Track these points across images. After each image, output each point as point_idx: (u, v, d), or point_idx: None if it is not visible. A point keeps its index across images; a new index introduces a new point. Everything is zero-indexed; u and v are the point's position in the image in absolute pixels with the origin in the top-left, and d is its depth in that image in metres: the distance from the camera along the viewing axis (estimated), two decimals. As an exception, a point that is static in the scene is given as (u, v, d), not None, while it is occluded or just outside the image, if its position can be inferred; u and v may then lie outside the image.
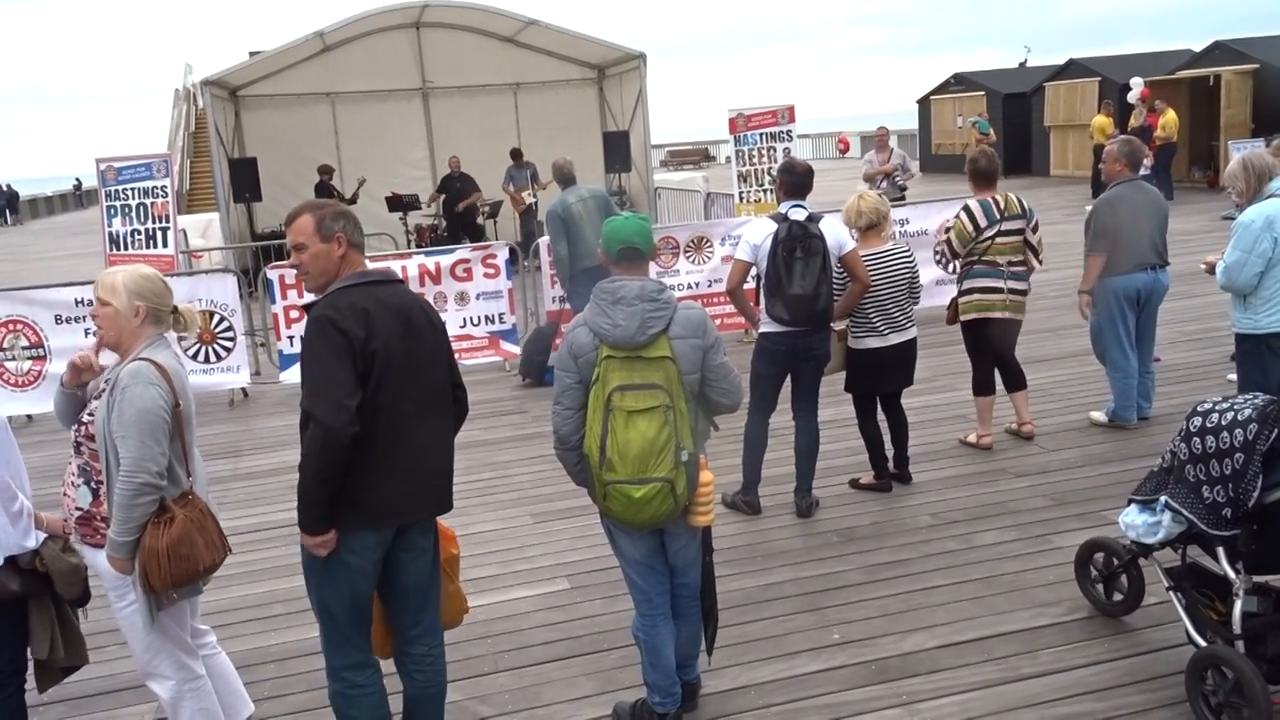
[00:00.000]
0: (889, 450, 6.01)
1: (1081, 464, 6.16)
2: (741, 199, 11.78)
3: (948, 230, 6.38)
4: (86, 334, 8.90)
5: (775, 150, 11.60)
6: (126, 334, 3.36)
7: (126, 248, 10.22)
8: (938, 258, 6.56)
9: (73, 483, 3.45)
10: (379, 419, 3.16)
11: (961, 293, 6.37)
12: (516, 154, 15.64)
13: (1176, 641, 4.04)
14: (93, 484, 3.41)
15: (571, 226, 8.45)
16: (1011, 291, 6.27)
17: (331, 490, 3.10)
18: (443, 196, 15.53)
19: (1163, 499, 3.75)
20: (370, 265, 3.43)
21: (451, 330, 9.32)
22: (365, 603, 3.33)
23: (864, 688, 3.99)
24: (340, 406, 3.04)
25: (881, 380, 5.88)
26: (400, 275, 3.82)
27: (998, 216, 6.20)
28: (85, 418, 3.40)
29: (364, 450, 3.13)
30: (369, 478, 3.18)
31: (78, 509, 3.43)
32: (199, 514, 3.32)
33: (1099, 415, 6.83)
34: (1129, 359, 6.58)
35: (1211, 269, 5.38)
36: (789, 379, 5.57)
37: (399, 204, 15.36)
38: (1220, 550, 3.58)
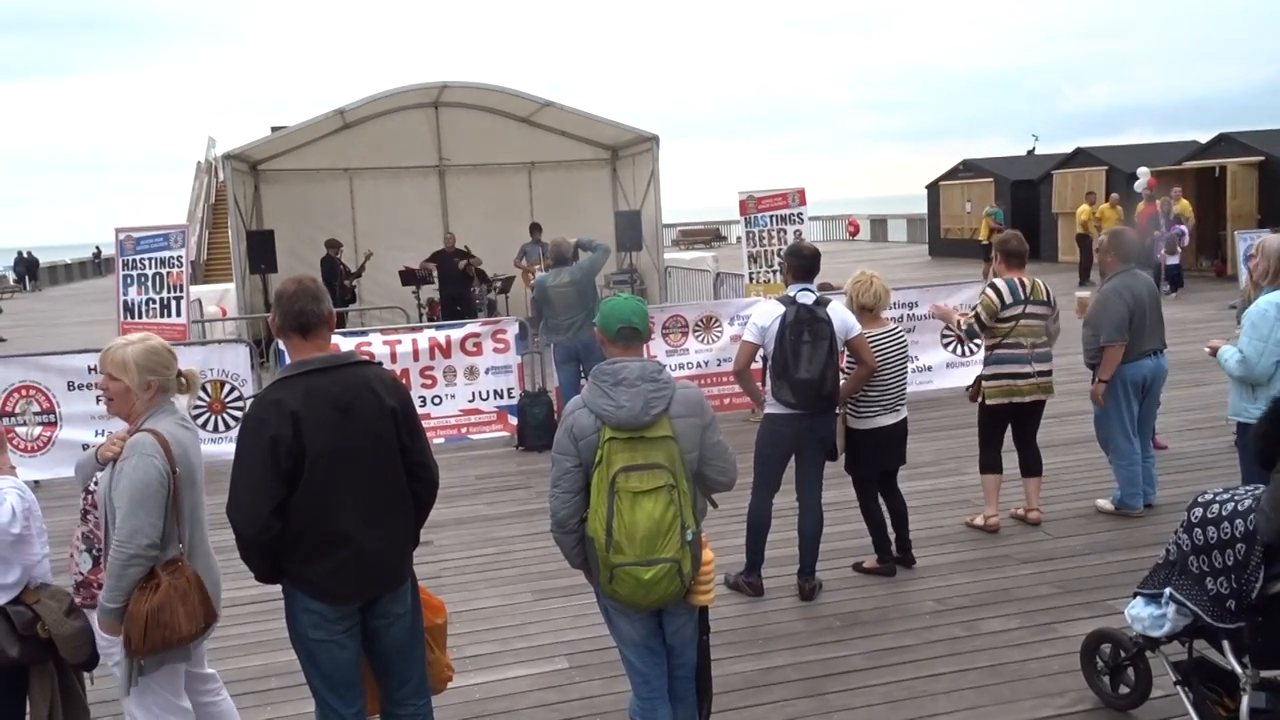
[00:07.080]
0: (891, 533, 5.99)
1: (1087, 551, 6.12)
2: (751, 279, 11.89)
3: (974, 307, 6.47)
4: (98, 400, 8.96)
5: (786, 232, 11.72)
6: (136, 407, 3.43)
7: (141, 316, 10.34)
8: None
9: (78, 547, 3.53)
10: (310, 510, 3.22)
11: (988, 376, 6.42)
12: (535, 228, 15.83)
13: (1182, 736, 3.98)
14: (94, 551, 3.47)
15: (545, 306, 9.19)
16: (1039, 374, 6.34)
17: (263, 565, 3.28)
18: (434, 269, 15.36)
19: (1168, 591, 3.72)
20: (337, 346, 3.46)
21: (459, 404, 9.41)
22: (340, 676, 3.37)
23: (864, 777, 3.93)
24: (254, 514, 3.14)
25: (886, 459, 5.90)
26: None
27: (1023, 297, 6.29)
28: (92, 486, 3.45)
29: (297, 538, 3.22)
30: (305, 562, 3.26)
31: (79, 573, 3.49)
32: (184, 582, 3.33)
33: (1105, 503, 6.80)
34: (1133, 445, 6.58)
35: (1215, 352, 5.37)
36: (793, 460, 5.59)
37: (413, 278, 15.54)
38: (1226, 643, 3.54)
